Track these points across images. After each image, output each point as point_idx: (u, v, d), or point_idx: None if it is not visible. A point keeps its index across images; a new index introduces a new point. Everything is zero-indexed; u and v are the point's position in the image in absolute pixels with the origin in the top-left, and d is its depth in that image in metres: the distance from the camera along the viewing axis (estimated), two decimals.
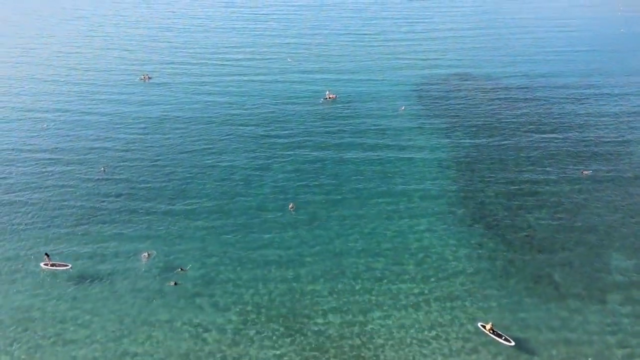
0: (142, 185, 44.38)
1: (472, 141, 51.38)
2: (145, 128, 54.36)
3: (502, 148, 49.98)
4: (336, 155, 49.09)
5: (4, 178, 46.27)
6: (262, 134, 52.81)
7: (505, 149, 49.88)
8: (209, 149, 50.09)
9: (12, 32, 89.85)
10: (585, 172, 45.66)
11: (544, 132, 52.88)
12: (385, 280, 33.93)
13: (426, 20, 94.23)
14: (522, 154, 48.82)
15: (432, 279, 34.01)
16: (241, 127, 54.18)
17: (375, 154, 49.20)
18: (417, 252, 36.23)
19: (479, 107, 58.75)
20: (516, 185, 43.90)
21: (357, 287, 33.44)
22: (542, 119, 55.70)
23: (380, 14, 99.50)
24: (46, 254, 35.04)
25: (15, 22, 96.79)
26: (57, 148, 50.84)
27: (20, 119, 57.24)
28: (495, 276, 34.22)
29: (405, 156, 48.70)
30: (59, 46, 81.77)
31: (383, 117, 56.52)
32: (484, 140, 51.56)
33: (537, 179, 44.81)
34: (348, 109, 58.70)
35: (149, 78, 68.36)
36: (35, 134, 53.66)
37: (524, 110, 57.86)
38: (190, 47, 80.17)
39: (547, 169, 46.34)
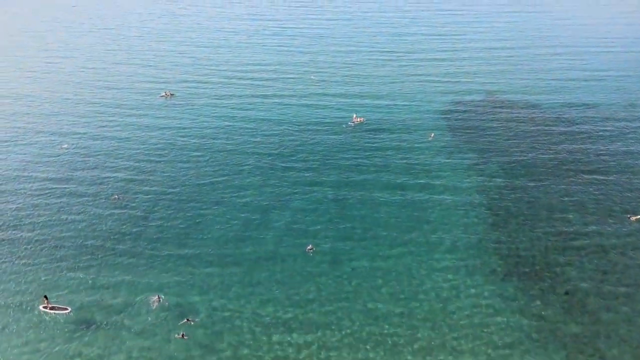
0: (154, 219, 42.47)
1: (507, 179, 47.68)
2: (162, 154, 52.68)
3: (539, 188, 46.08)
4: (360, 191, 46.20)
5: (8, 209, 45.16)
6: (282, 165, 50.22)
7: (544, 189, 45.95)
8: (227, 180, 47.90)
9: (37, 44, 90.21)
10: (634, 218, 41.37)
11: (587, 172, 48.48)
12: (410, 343, 30.87)
13: (458, 38, 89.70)
14: (562, 197, 44.80)
15: (462, 340, 30.76)
16: (261, 157, 51.75)
17: (402, 191, 46.03)
18: (445, 305, 33.05)
19: (515, 139, 54.77)
20: (555, 232, 40.08)
21: (382, 355, 30.46)
22: (585, 157, 51.12)
23: (409, 29, 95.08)
24: (45, 296, 33.33)
25: (40, 33, 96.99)
26: (70, 174, 49.57)
27: (37, 140, 56.41)
28: (531, 340, 30.71)
29: (433, 195, 45.34)
30: (82, 60, 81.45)
31: (411, 148, 53.31)
32: (520, 178, 47.75)
33: (579, 225, 40.87)
34: (374, 136, 55.70)
35: (172, 95, 67.11)
36: (50, 157, 52.66)
37: (565, 145, 53.42)
38: (214, 63, 78.69)
39: (591, 214, 42.26)
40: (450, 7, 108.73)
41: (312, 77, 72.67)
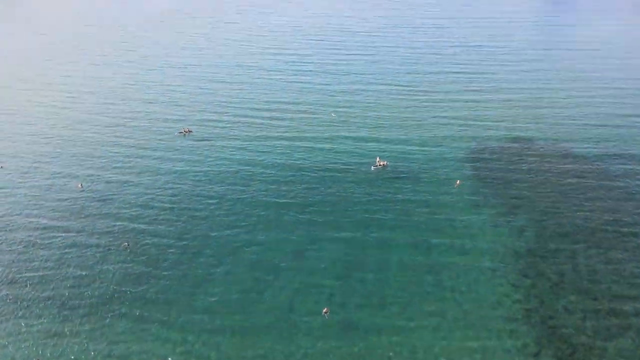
0: (162, 276, 40.41)
1: (539, 234, 44.30)
2: (175, 199, 50.94)
3: (575, 247, 42.50)
4: (381, 243, 43.51)
5: (7, 260, 43.79)
6: (298, 216, 47.75)
7: (582, 249, 42.31)
8: (239, 232, 45.69)
9: (61, 78, 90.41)
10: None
11: (631, 235, 44.54)
12: None
13: (486, 76, 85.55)
14: (602, 259, 41.07)
15: None
16: (276, 207, 49.43)
17: (423, 250, 42.93)
18: None
19: (546, 192, 51.25)
20: (595, 301, 36.40)
21: None
22: (628, 217, 47.06)
23: (434, 66, 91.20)
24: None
25: (64, 67, 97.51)
26: (81, 218, 48.17)
27: (51, 184, 55.44)
28: None
29: (457, 256, 42.13)
30: (105, 94, 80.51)
31: (435, 198, 50.33)
32: (554, 235, 44.25)
33: (621, 296, 37.01)
34: (395, 183, 52.99)
35: (190, 132, 65.98)
36: (62, 199, 51.51)
37: (604, 202, 49.33)
38: (232, 100, 76.69)
39: (636, 283, 38.38)
40: (476, 43, 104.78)
41: (332, 114, 70.82)
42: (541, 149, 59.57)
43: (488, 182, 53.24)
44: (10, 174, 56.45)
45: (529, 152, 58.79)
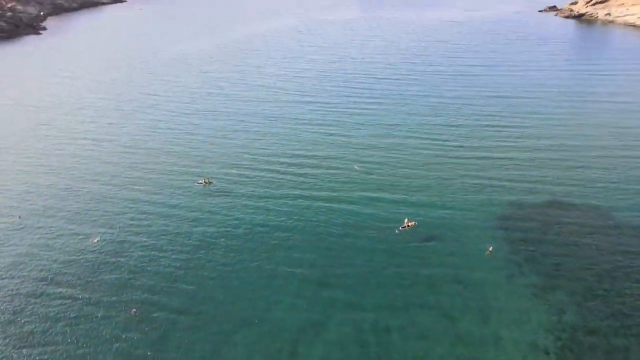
0: (170, 348, 37.81)
1: (580, 313, 40.09)
2: (191, 258, 48.81)
3: (621, 328, 37.91)
4: (405, 321, 39.99)
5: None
6: (318, 281, 44.87)
7: (629, 331, 37.72)
8: (255, 298, 43.02)
9: (82, 125, 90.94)
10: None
11: None
12: None
13: (521, 127, 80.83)
14: None
15: None
16: (295, 269, 46.70)
17: (453, 323, 39.43)
18: None
19: (590, 262, 47.00)
20: None
21: None
22: None
23: (465, 114, 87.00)
24: None
25: (85, 114, 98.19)
26: (91, 278, 46.49)
27: (66, 239, 54.27)
28: None
29: (490, 330, 38.40)
30: (125, 142, 79.11)
31: (465, 265, 46.83)
32: (597, 314, 39.83)
33: None
34: (422, 247, 49.66)
35: (210, 183, 64.63)
36: (74, 255, 50.10)
37: None
38: (255, 150, 74.44)
39: None
40: (509, 93, 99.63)
41: (355, 167, 68.46)
42: (582, 216, 54.82)
43: (522, 248, 49.37)
44: (25, 226, 55.70)
45: (569, 220, 54.32)
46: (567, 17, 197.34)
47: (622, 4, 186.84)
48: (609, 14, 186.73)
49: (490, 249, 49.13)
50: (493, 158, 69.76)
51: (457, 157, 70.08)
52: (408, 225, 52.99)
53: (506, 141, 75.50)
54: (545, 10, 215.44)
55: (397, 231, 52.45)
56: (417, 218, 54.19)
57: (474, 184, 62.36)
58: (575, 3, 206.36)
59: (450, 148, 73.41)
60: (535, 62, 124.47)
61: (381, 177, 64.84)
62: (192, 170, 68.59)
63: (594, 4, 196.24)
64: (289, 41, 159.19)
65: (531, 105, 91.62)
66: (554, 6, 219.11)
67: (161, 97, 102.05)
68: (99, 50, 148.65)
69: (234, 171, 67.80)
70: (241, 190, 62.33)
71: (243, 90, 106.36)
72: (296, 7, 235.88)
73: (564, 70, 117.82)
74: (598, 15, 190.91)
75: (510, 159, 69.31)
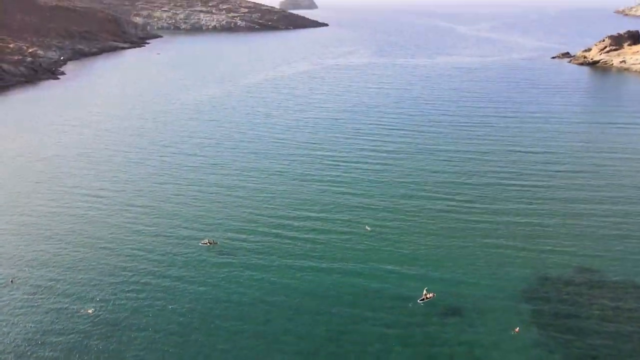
0: None
1: None
2: (189, 335, 44.95)
3: None
4: None
5: None
6: None
7: None
8: None
9: (83, 181, 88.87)
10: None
11: None
12: None
13: (547, 187, 76.10)
14: None
15: None
16: (300, 346, 42.57)
17: None
18: None
19: (628, 343, 42.07)
20: None
21: None
22: None
23: (486, 172, 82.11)
24: None
25: (88, 169, 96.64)
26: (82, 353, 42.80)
27: (60, 307, 50.99)
28: None
29: None
30: (128, 197, 75.99)
31: (490, 345, 42.21)
32: None
33: None
34: (444, 326, 45.28)
35: (214, 243, 61.44)
36: (70, 329, 46.59)
37: None
38: (262, 211, 70.45)
39: None
40: (531, 148, 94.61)
41: (367, 227, 64.84)
42: (620, 297, 49.77)
43: (551, 327, 44.71)
44: (17, 292, 52.66)
45: (603, 293, 49.72)
46: (581, 64, 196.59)
47: (637, 51, 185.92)
48: (624, 62, 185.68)
49: (517, 329, 44.61)
50: (518, 223, 64.89)
51: (478, 221, 65.52)
52: (427, 297, 48.87)
53: (532, 203, 70.70)
54: (558, 57, 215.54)
55: (413, 304, 48.27)
56: (436, 289, 50.01)
57: (499, 252, 57.81)
58: (589, 50, 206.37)
59: (471, 210, 68.98)
60: (555, 113, 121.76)
61: (396, 243, 60.63)
62: (195, 226, 65.54)
63: (608, 52, 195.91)
64: (301, 88, 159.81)
65: (556, 161, 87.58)
66: (567, 53, 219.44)
67: (169, 149, 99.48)
68: (112, 97, 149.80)
69: (238, 232, 64.10)
70: (245, 256, 58.58)
71: (251, 141, 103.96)
72: (311, 54, 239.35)
73: (587, 122, 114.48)
74: (613, 62, 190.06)
75: (537, 224, 64.42)
